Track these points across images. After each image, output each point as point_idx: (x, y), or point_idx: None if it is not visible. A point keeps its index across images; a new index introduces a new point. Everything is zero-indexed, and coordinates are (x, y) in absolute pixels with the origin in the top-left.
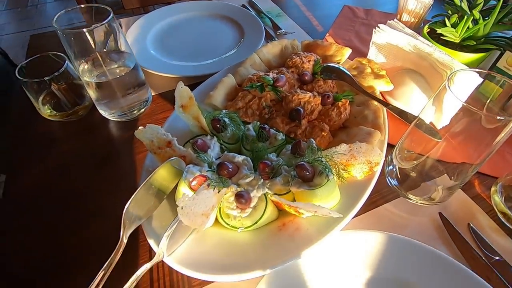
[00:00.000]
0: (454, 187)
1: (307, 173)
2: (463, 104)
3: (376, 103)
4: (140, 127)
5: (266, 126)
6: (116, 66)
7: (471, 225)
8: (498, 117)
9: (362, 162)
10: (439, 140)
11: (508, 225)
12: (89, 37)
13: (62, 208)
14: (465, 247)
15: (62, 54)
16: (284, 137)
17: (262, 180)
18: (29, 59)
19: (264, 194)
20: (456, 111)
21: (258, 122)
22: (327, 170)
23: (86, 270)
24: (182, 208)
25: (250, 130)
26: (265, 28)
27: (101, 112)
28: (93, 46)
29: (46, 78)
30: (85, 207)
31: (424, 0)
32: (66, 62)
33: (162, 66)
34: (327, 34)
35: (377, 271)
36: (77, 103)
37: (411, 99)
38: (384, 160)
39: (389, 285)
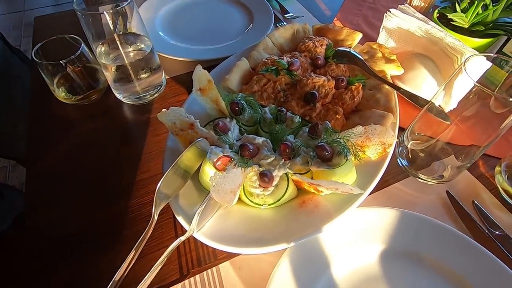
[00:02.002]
0: (461, 167)
1: (326, 153)
2: (476, 86)
3: (387, 87)
4: (163, 110)
5: (283, 109)
6: (132, 49)
7: (476, 202)
8: (511, 99)
9: (376, 143)
10: (448, 123)
11: (510, 201)
12: (108, 19)
13: (86, 187)
14: (470, 222)
15: (77, 37)
16: (300, 120)
17: (283, 161)
18: (44, 41)
19: (286, 173)
20: (466, 95)
21: (275, 106)
22: (345, 150)
23: (116, 245)
24: (214, 186)
25: (267, 113)
26: (274, 12)
27: (116, 95)
28: (111, 28)
29: (62, 62)
30: (107, 186)
31: None
32: (82, 45)
33: (173, 49)
34: (335, 19)
35: (390, 245)
36: (92, 86)
37: (421, 83)
38: (396, 142)
39: (402, 257)
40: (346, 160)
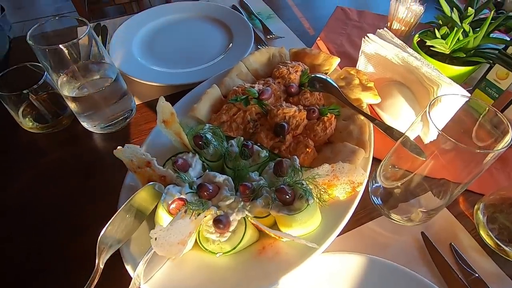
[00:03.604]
0: (438, 209)
1: (287, 197)
2: (439, 133)
3: (362, 117)
4: (118, 147)
5: (249, 143)
6: (96, 77)
7: (453, 244)
8: (478, 150)
9: (344, 182)
10: (423, 159)
11: (489, 245)
12: (65, 51)
13: (44, 223)
14: (445, 267)
15: (40, 65)
16: (267, 154)
17: (242, 203)
18: (6, 71)
19: (244, 217)
20: (446, 126)
21: (242, 138)
22: (307, 194)
23: None
24: (156, 240)
25: (233, 146)
26: (255, 32)
27: (84, 124)
28: (70, 59)
29: (25, 91)
30: (67, 222)
31: (414, 9)
32: (45, 73)
33: (148, 73)
34: (318, 38)
35: None
36: (58, 114)
37: (399, 112)
38: (369, 177)
39: None
40: (308, 205)
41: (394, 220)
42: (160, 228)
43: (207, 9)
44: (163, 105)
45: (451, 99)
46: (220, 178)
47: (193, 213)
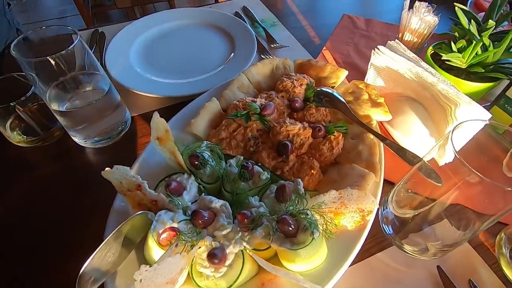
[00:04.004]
0: (456, 244)
1: (289, 229)
2: (466, 168)
3: (372, 136)
4: (107, 168)
5: (249, 164)
6: (90, 88)
7: (472, 280)
8: (508, 188)
9: (353, 211)
10: (439, 185)
11: None
12: (53, 63)
13: (30, 247)
14: None
15: None
16: (269, 176)
17: (240, 234)
18: None
19: (242, 249)
20: (466, 149)
21: (242, 157)
22: (312, 226)
23: None
24: (140, 281)
25: (232, 167)
26: (258, 40)
27: (74, 139)
28: (58, 71)
29: (12, 104)
30: (57, 241)
31: (428, 20)
32: (38, 81)
33: (145, 83)
34: (324, 48)
35: None
36: (48, 126)
37: (410, 130)
38: (379, 203)
39: None
40: (313, 239)
41: (406, 251)
42: (145, 268)
43: (208, 16)
44: (157, 121)
45: (474, 124)
46: (217, 203)
47: (186, 246)
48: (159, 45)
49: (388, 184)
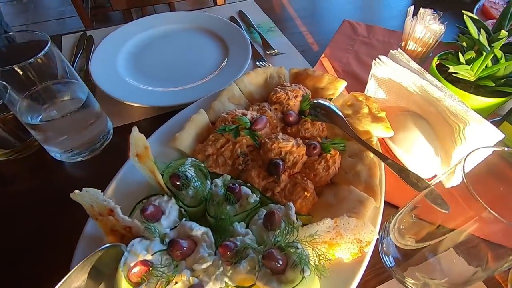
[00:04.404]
0: (469, 282)
1: (277, 265)
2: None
3: (372, 155)
4: (75, 191)
5: (236, 185)
6: (67, 98)
7: None
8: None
9: (350, 241)
10: (446, 212)
11: None
12: (20, 73)
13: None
14: None
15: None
16: (258, 199)
17: (221, 268)
18: None
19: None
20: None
21: (229, 176)
22: (303, 263)
23: None
24: None
25: (218, 187)
26: (253, 46)
27: (52, 154)
28: (28, 81)
29: None
30: (32, 261)
31: (434, 28)
32: (8, 91)
33: (130, 92)
34: (322, 55)
35: None
36: (22, 138)
37: (415, 147)
38: (379, 230)
39: None
40: (303, 278)
41: (410, 287)
42: None
43: (201, 20)
44: (136, 137)
45: (488, 151)
46: (198, 231)
47: (159, 283)
48: (148, 51)
49: (389, 207)
